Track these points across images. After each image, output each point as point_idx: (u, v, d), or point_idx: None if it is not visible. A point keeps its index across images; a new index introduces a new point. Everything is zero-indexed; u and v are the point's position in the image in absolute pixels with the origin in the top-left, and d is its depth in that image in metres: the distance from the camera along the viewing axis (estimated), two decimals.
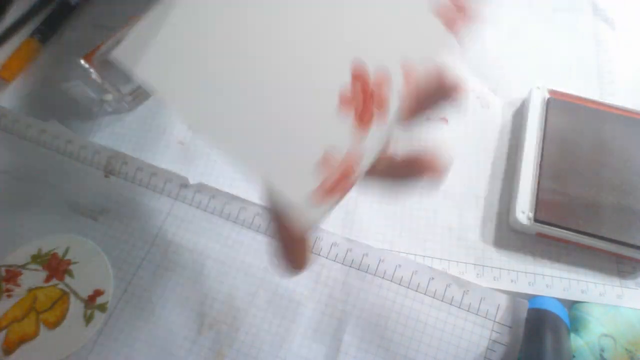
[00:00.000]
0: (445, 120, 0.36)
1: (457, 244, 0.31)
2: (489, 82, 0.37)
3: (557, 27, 0.40)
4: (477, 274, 0.30)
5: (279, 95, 0.15)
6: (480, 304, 0.29)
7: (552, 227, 0.30)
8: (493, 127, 0.36)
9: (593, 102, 0.34)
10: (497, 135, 0.35)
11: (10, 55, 0.40)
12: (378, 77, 0.17)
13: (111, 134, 0.37)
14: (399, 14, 0.18)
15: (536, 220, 0.30)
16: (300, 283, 0.30)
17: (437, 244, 0.32)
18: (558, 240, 0.31)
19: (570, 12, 0.40)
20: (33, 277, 0.31)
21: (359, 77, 0.16)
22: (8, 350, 0.29)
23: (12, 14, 0.43)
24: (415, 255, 0.31)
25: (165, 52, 0.14)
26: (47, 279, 0.31)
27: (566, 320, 0.28)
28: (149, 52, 0.14)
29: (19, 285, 0.31)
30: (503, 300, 0.29)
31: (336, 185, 0.17)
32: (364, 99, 0.17)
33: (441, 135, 0.35)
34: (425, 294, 0.29)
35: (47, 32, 0.41)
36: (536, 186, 0.31)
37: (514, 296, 0.29)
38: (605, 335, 0.27)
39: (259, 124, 0.15)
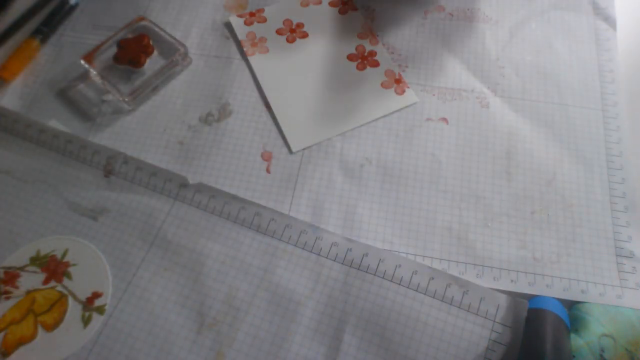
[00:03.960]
0: (445, 120, 0.36)
1: (457, 244, 0.31)
2: (489, 82, 0.37)
3: (557, 27, 0.40)
4: (477, 274, 0.30)
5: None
6: (480, 304, 0.29)
7: None
8: (493, 127, 0.36)
9: None
10: (497, 135, 0.35)
11: (10, 55, 0.40)
12: None
13: (111, 134, 0.36)
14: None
15: None
16: (300, 283, 0.30)
17: (437, 244, 0.32)
18: None
19: (571, 12, 0.40)
20: (31, 279, 0.31)
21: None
22: (6, 353, 0.29)
23: (12, 14, 0.42)
24: (415, 255, 0.31)
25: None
26: (46, 281, 0.31)
27: (566, 320, 0.28)
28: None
29: (17, 287, 0.31)
30: (503, 300, 0.29)
31: None
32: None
33: (441, 135, 0.35)
34: (425, 294, 0.29)
35: (47, 32, 0.41)
36: None
37: (514, 296, 0.29)
38: (605, 335, 0.27)
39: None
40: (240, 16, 0.41)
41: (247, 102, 0.37)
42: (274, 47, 0.40)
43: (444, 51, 0.39)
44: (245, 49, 0.40)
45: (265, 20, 0.41)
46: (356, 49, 0.39)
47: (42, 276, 0.31)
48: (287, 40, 0.40)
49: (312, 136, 0.35)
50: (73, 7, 0.43)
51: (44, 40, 0.41)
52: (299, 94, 0.37)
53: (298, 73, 0.38)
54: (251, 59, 0.39)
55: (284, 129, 0.36)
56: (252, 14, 0.41)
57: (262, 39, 0.40)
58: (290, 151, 0.35)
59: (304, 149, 0.35)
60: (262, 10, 0.41)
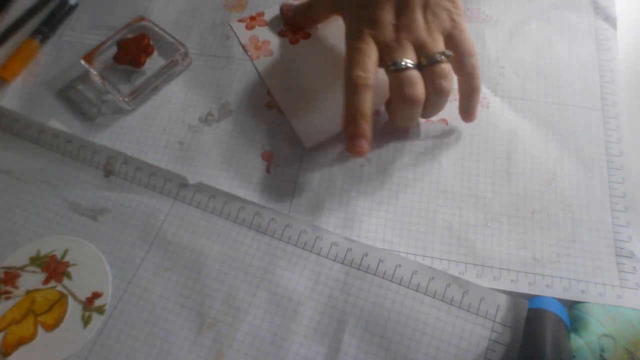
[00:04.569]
0: (445, 121, 0.36)
1: (457, 244, 0.31)
2: (489, 82, 0.37)
3: (557, 26, 0.40)
4: (477, 274, 0.30)
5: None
6: (480, 304, 0.29)
7: None
8: (493, 127, 0.36)
9: None
10: (497, 135, 0.35)
11: (10, 55, 0.40)
12: None
13: (111, 134, 0.36)
14: None
15: None
16: (300, 283, 0.30)
17: (437, 244, 0.32)
18: None
19: (571, 11, 0.40)
20: (31, 279, 0.31)
21: None
22: (6, 353, 0.29)
23: (12, 14, 0.42)
24: (415, 255, 0.31)
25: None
26: (46, 281, 0.31)
27: (566, 320, 0.28)
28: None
29: (17, 287, 0.31)
30: (503, 300, 0.29)
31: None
32: None
33: (441, 135, 0.35)
34: (425, 294, 0.29)
35: (47, 32, 0.41)
36: None
37: (514, 296, 0.29)
38: (605, 335, 0.27)
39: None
40: (241, 21, 0.41)
41: (247, 102, 0.37)
42: (278, 49, 0.40)
43: None
44: (249, 53, 0.40)
45: (265, 23, 0.41)
46: None
47: (42, 276, 0.31)
48: (291, 42, 0.40)
49: (323, 132, 0.35)
50: (73, 7, 0.43)
51: (43, 40, 0.41)
52: (307, 93, 0.37)
53: (304, 73, 0.38)
54: (256, 63, 0.39)
55: (295, 127, 0.36)
56: (252, 18, 0.41)
57: (265, 42, 0.40)
58: (304, 148, 0.35)
59: (306, 150, 0.35)
60: (262, 14, 0.41)
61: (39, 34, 0.41)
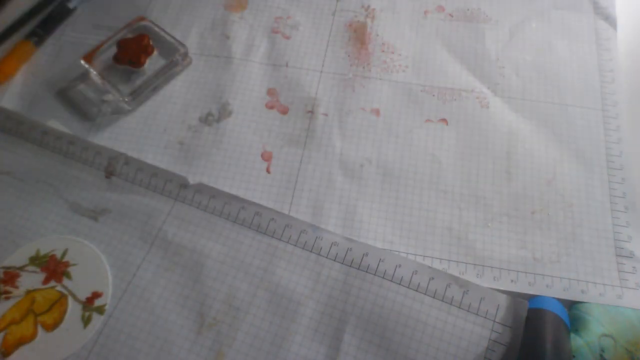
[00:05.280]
0: (445, 121, 0.36)
1: (457, 244, 0.32)
2: (489, 82, 0.37)
3: (557, 26, 0.40)
4: (477, 274, 0.30)
5: None
6: (480, 304, 0.29)
7: None
8: (493, 127, 0.36)
9: None
10: (497, 135, 0.35)
11: (4, 57, 0.39)
12: None
13: (111, 134, 0.36)
14: None
15: None
16: (300, 283, 0.30)
17: (437, 244, 0.32)
18: None
19: (571, 11, 0.40)
20: (31, 279, 0.31)
21: None
22: (6, 353, 0.29)
23: (11, 16, 0.42)
24: (415, 255, 0.31)
25: None
26: (46, 281, 0.31)
27: (566, 320, 0.28)
28: None
29: (17, 287, 0.31)
30: (503, 300, 0.29)
31: None
32: None
33: (441, 135, 0.35)
34: (425, 294, 0.29)
35: (42, 34, 0.41)
36: None
37: (514, 296, 0.29)
38: (605, 335, 0.27)
39: None
40: None
41: (247, 102, 0.37)
42: None
43: (444, 51, 0.39)
44: None
45: None
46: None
47: (41, 276, 0.31)
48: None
49: None
50: (71, 11, 0.43)
51: (39, 43, 0.41)
52: None
53: None
54: None
55: None
56: None
57: None
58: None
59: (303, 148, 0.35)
60: None
61: (34, 36, 0.40)
